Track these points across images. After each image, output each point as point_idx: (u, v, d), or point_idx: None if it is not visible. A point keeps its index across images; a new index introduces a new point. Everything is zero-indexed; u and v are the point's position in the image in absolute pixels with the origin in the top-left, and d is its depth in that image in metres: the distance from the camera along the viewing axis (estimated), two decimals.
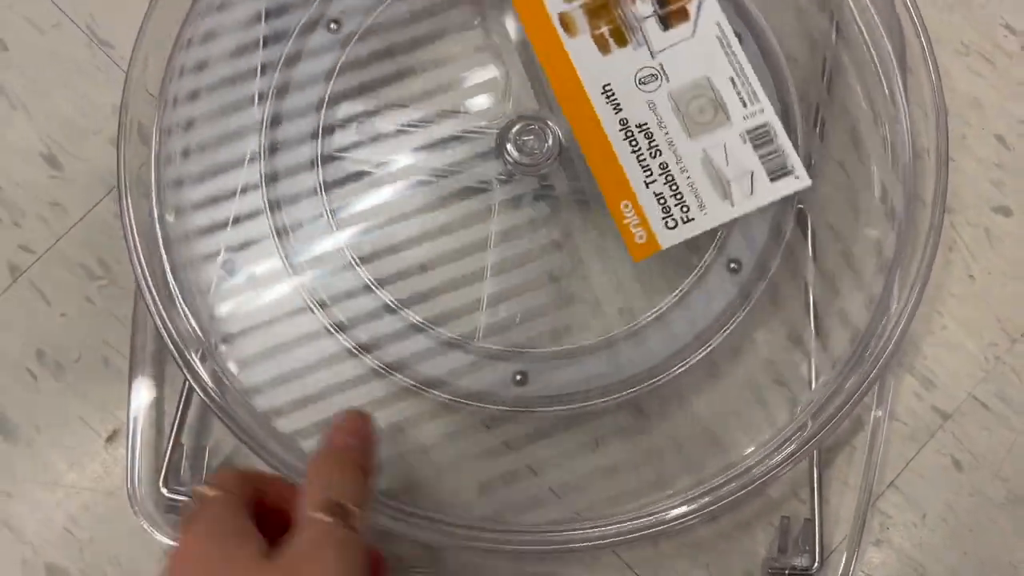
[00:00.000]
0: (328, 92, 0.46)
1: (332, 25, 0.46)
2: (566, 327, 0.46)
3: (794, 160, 0.44)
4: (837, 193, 0.48)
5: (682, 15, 0.45)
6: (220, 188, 0.46)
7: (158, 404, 0.46)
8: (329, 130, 0.46)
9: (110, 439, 0.47)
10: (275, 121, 0.46)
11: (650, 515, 0.43)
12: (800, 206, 0.46)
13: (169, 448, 0.45)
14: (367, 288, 0.44)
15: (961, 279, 0.49)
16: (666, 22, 0.45)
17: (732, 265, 0.45)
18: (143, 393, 0.46)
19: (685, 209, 0.44)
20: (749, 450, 0.45)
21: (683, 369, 0.44)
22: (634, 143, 0.44)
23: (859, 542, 0.45)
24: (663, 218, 0.44)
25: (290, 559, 0.32)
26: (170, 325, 0.43)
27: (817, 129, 0.48)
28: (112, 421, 0.47)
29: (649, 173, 0.44)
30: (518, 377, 0.44)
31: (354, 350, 0.44)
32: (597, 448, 0.46)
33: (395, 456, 0.45)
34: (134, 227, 0.44)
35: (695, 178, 0.44)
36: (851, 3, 0.48)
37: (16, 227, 0.48)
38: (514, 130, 0.45)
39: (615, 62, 0.45)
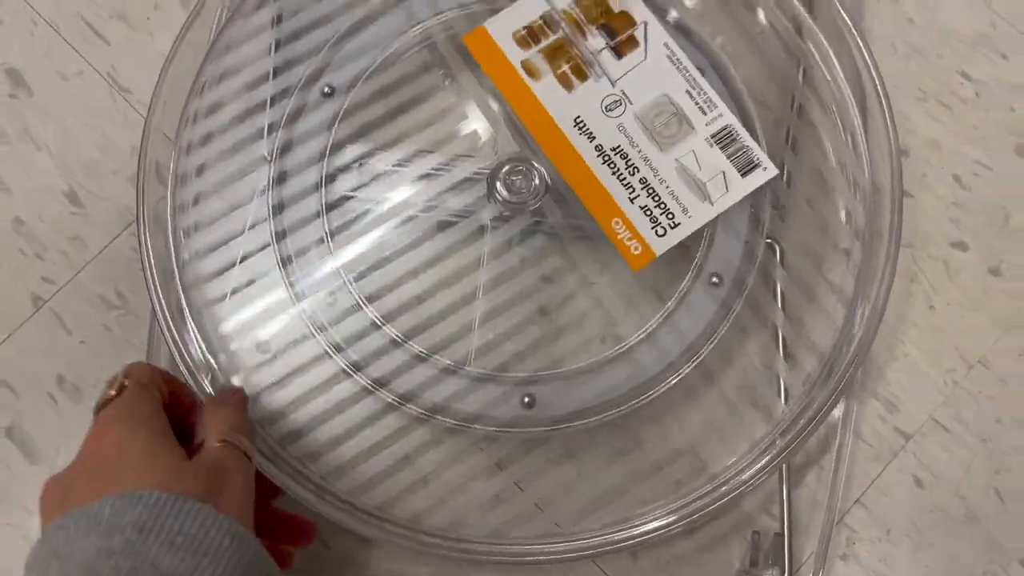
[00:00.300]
0: (324, 172, 0.48)
1: (326, 89, 0.49)
2: (562, 353, 0.48)
3: (759, 154, 0.48)
4: (804, 227, 0.51)
5: (632, 43, 0.49)
6: (231, 231, 0.48)
7: None
8: (330, 207, 0.48)
9: None
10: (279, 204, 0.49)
11: (630, 527, 0.45)
12: (769, 240, 0.49)
13: None
14: (375, 326, 0.47)
15: (922, 310, 0.52)
16: (619, 51, 0.49)
17: (714, 279, 0.48)
18: None
19: (671, 216, 0.47)
20: (723, 466, 0.47)
21: (668, 388, 0.47)
22: (613, 165, 0.47)
23: (826, 555, 0.48)
24: (652, 227, 0.47)
25: (205, 469, 0.37)
26: (184, 351, 0.46)
27: (788, 143, 0.51)
28: None
29: (632, 190, 0.47)
30: (526, 399, 0.46)
31: (370, 386, 0.46)
32: (580, 464, 0.48)
33: (413, 481, 0.47)
34: (152, 260, 0.47)
35: (674, 186, 0.47)
36: (816, 52, 0.51)
37: (39, 260, 0.51)
38: (502, 172, 0.48)
39: (580, 96, 0.48)
